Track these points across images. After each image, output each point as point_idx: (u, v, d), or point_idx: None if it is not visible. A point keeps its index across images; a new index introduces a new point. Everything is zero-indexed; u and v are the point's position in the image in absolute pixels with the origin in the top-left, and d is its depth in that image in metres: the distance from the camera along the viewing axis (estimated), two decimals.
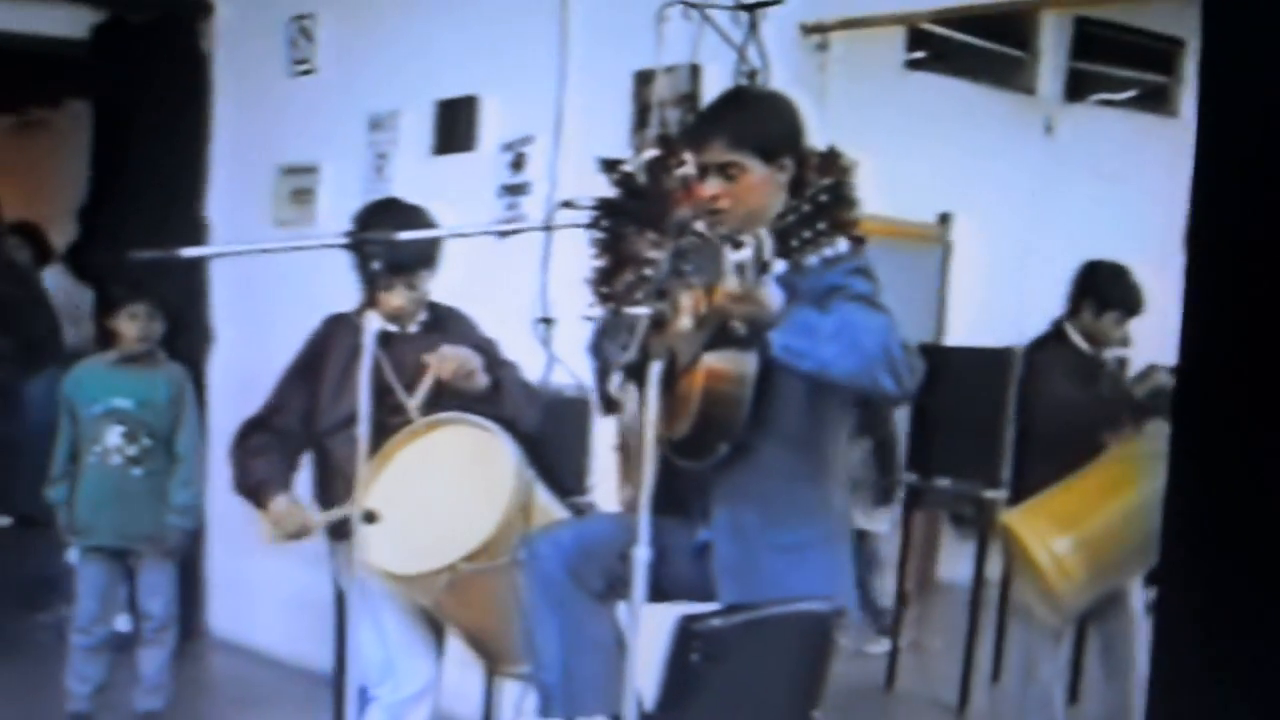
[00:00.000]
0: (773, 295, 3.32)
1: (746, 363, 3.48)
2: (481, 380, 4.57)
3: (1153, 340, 6.10)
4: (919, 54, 8.55)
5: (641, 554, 3.39)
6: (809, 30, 5.56)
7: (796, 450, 3.69)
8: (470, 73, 6.40)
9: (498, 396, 4.64)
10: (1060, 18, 8.82)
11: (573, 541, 3.86)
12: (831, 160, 3.92)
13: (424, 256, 4.69)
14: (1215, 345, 1.65)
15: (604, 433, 4.52)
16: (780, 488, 3.68)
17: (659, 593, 3.57)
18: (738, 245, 3.28)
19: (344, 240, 4.08)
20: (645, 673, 3.50)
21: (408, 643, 4.64)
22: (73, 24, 7.71)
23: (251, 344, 6.80)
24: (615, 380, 3.90)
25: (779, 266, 3.28)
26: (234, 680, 7.37)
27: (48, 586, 7.50)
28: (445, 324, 4.83)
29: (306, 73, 7.33)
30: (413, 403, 4.56)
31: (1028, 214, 7.37)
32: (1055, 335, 5.90)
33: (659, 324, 3.65)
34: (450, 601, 4.39)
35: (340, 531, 4.49)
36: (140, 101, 7.75)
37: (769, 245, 3.25)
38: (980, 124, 8.53)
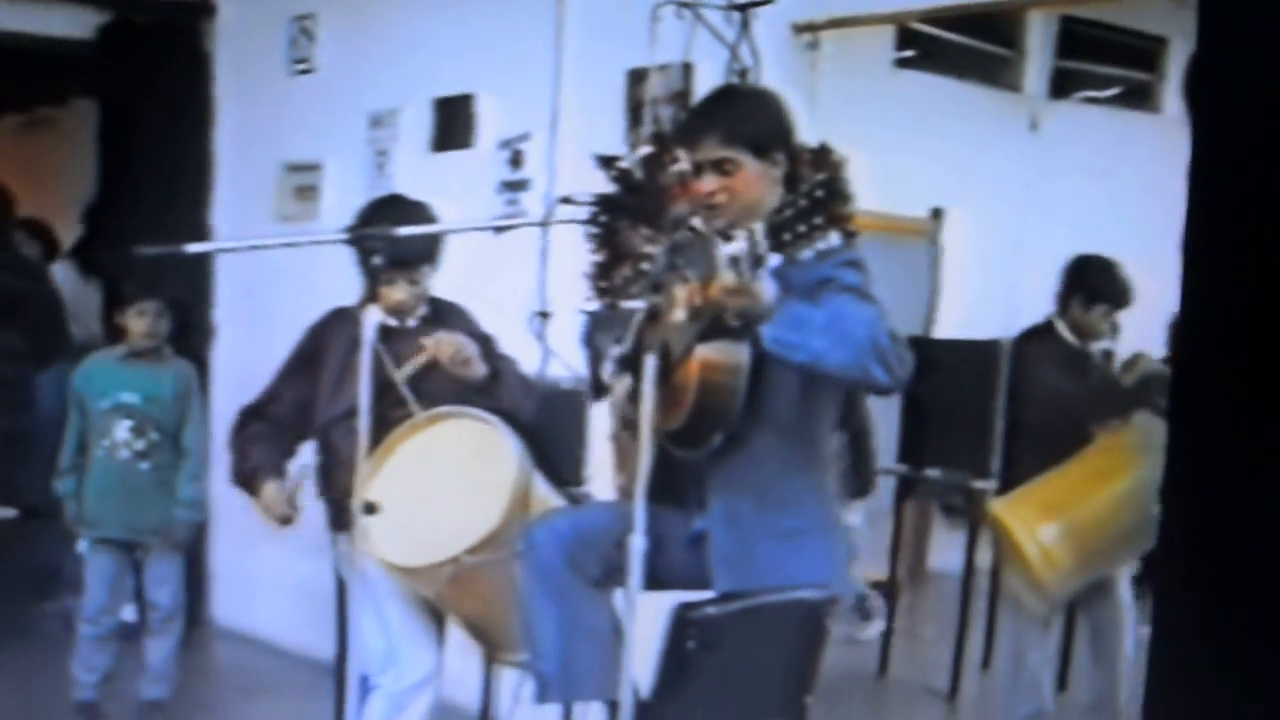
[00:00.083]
0: (766, 289, 3.32)
1: (740, 353, 3.48)
2: (479, 369, 4.56)
3: (1139, 332, 6.12)
4: (908, 52, 8.56)
5: (637, 543, 3.39)
6: (800, 29, 5.56)
7: (789, 440, 3.69)
8: (467, 71, 6.39)
9: (495, 388, 4.64)
10: (1046, 17, 8.82)
11: (570, 530, 3.85)
12: (823, 156, 3.93)
13: (425, 252, 4.68)
14: (1212, 339, 1.63)
15: (600, 423, 4.52)
16: (774, 477, 3.68)
17: (655, 581, 3.56)
18: (730, 239, 3.28)
19: (345, 236, 4.08)
20: (642, 660, 3.50)
21: (409, 632, 4.63)
22: (79, 24, 7.70)
23: (254, 339, 6.78)
24: (607, 367, 3.90)
25: (772, 260, 3.29)
26: (237, 669, 7.37)
27: (53, 577, 7.50)
28: (445, 318, 4.81)
29: (307, 71, 7.32)
30: (400, 374, 4.55)
31: (1015, 208, 7.36)
32: (1044, 328, 5.90)
33: (654, 317, 3.64)
34: (453, 592, 4.38)
35: (342, 521, 4.49)
36: (145, 100, 7.76)
37: (763, 240, 3.25)
38: (968, 121, 8.53)
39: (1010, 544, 5.53)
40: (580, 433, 5.17)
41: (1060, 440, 5.58)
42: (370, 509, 3.90)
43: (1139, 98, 9.75)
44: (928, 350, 6.36)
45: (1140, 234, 6.83)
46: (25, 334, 7.32)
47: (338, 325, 4.79)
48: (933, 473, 6.97)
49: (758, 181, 3.65)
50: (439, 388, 4.60)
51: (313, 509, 4.88)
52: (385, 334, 4.41)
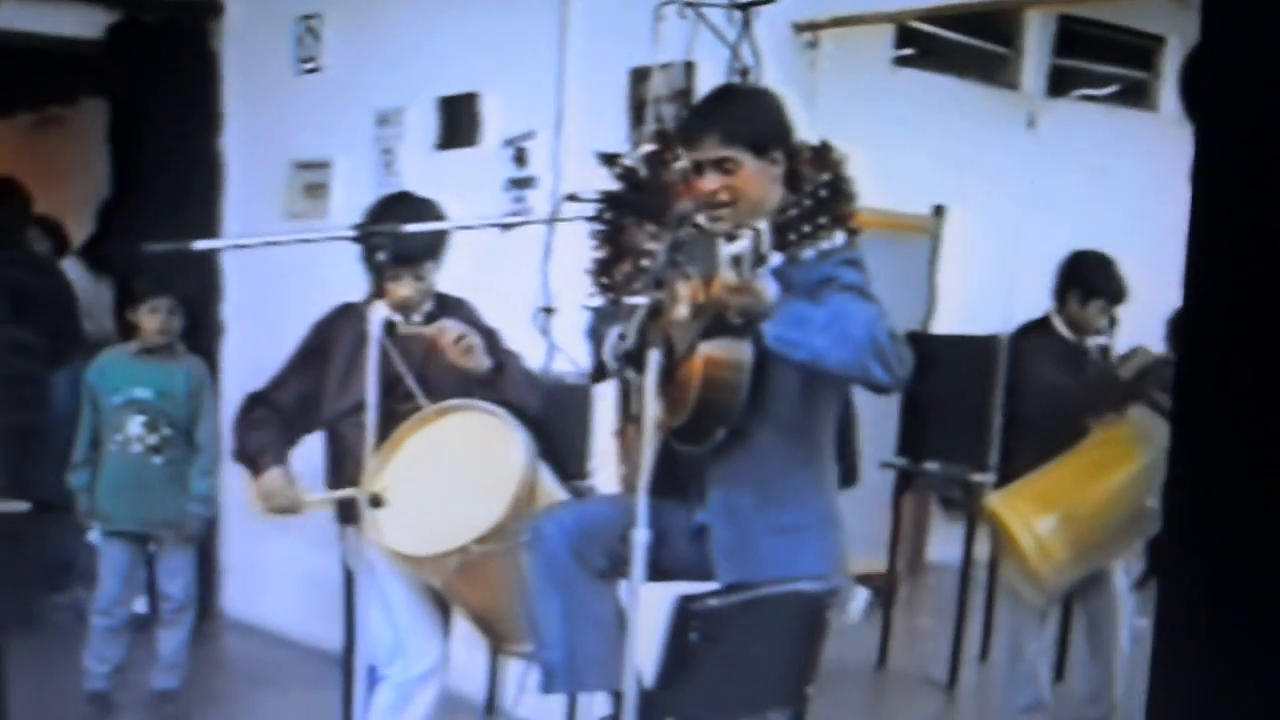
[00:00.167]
0: (767, 287, 3.34)
1: (743, 351, 3.50)
2: (482, 360, 4.57)
3: (1135, 326, 6.12)
4: (907, 51, 8.55)
5: (640, 536, 3.39)
6: (800, 28, 5.56)
7: (791, 436, 3.70)
8: (472, 70, 6.39)
9: (500, 381, 4.65)
10: (1044, 15, 8.81)
11: (575, 522, 3.86)
12: (824, 154, 3.94)
13: (429, 248, 4.69)
14: (1216, 333, 1.63)
15: (604, 418, 4.53)
16: (775, 473, 3.69)
17: (659, 572, 3.57)
18: (733, 238, 3.30)
19: (351, 233, 4.08)
20: (645, 650, 3.50)
21: (416, 623, 4.64)
22: (88, 24, 7.70)
23: (263, 335, 6.78)
24: (607, 351, 3.91)
25: (774, 259, 3.30)
26: (247, 659, 7.38)
27: (65, 570, 7.51)
28: (450, 313, 4.81)
29: (313, 70, 7.32)
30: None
31: (1013, 205, 7.35)
32: (1041, 323, 5.90)
33: (656, 312, 3.65)
34: (460, 582, 4.39)
35: (350, 514, 4.50)
36: (154, 99, 7.76)
37: (767, 239, 3.26)
38: (966, 118, 8.52)
39: (1007, 537, 5.53)
40: (584, 427, 5.18)
41: (1057, 434, 5.57)
42: (376, 502, 3.91)
43: (1136, 96, 9.74)
44: (927, 345, 6.36)
45: (1137, 230, 6.85)
46: (40, 330, 7.32)
47: (344, 321, 4.80)
48: (931, 466, 6.97)
49: (758, 180, 3.66)
50: (446, 382, 4.60)
51: None
52: (391, 330, 4.42)
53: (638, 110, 5.60)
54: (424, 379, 4.62)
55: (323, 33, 7.27)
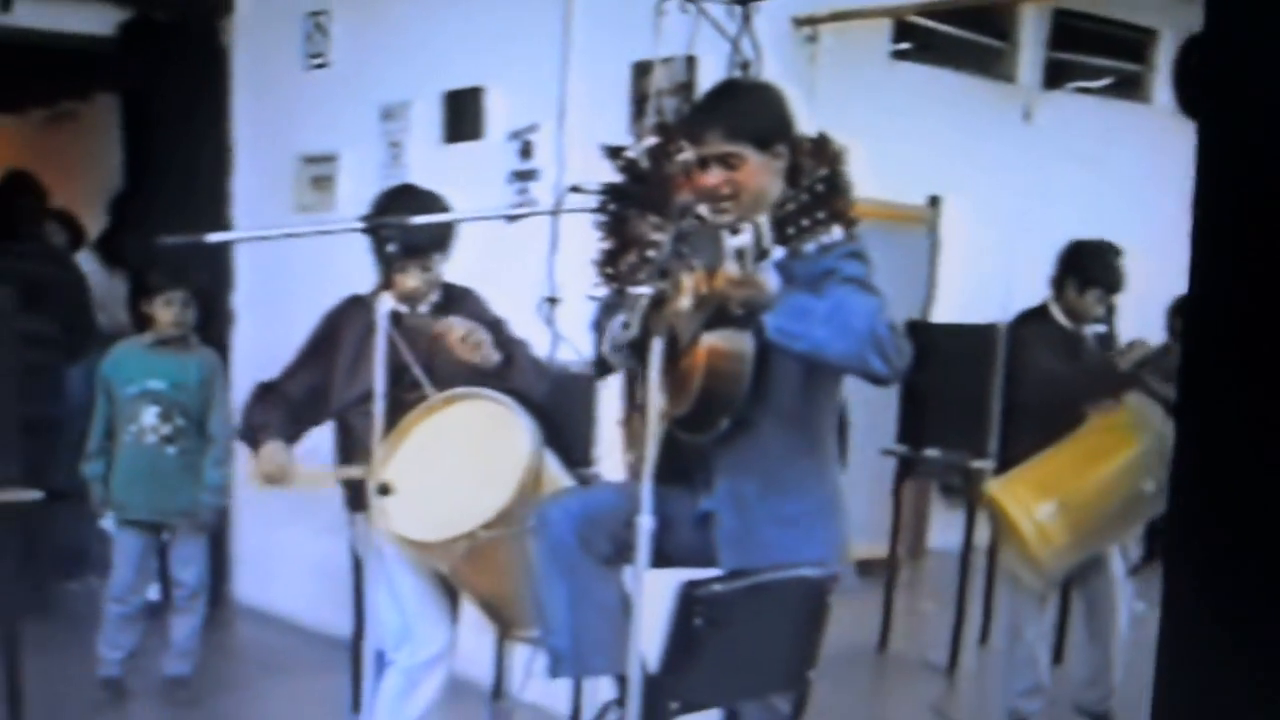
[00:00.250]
0: (770, 280, 3.34)
1: (745, 342, 3.49)
2: (491, 355, 4.56)
3: (1128, 313, 6.12)
4: (905, 45, 8.56)
5: (645, 523, 3.38)
6: (800, 23, 5.56)
7: (793, 426, 3.69)
8: (477, 65, 6.38)
9: (509, 371, 4.64)
10: (1038, 9, 8.82)
11: (581, 509, 3.84)
12: (823, 146, 3.92)
13: (436, 240, 4.68)
14: (1221, 324, 1.61)
15: (609, 406, 4.52)
16: (778, 462, 3.69)
17: (663, 558, 3.57)
18: (736, 232, 3.29)
19: (359, 225, 4.07)
20: (650, 635, 3.49)
21: (423, 609, 4.63)
22: (101, 22, 7.71)
23: (273, 325, 6.78)
24: (608, 342, 3.90)
25: (776, 253, 3.29)
26: (258, 645, 7.37)
27: (79, 558, 7.51)
28: (457, 303, 4.81)
29: (321, 66, 7.31)
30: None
31: (1009, 195, 7.35)
32: (1038, 311, 5.90)
33: (659, 302, 3.64)
34: (467, 568, 4.39)
35: (358, 502, 4.49)
36: (165, 94, 7.77)
37: (768, 232, 3.26)
38: (963, 111, 8.53)
39: (1007, 523, 5.52)
40: (589, 415, 5.17)
41: (1055, 420, 5.56)
42: (385, 490, 3.90)
43: (1129, 88, 9.76)
44: (926, 334, 6.37)
45: (1131, 219, 6.84)
46: (55, 321, 7.32)
47: (353, 312, 4.80)
48: (932, 453, 6.97)
49: (761, 173, 3.65)
50: (452, 371, 4.59)
51: (331, 490, 4.88)
52: (398, 320, 4.42)
53: (640, 103, 5.59)
54: (430, 368, 4.61)
55: (330, 29, 7.27)
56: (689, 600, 3.54)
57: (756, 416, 3.59)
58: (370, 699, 4.18)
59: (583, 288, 4.75)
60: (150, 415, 5.96)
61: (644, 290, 3.65)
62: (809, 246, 3.29)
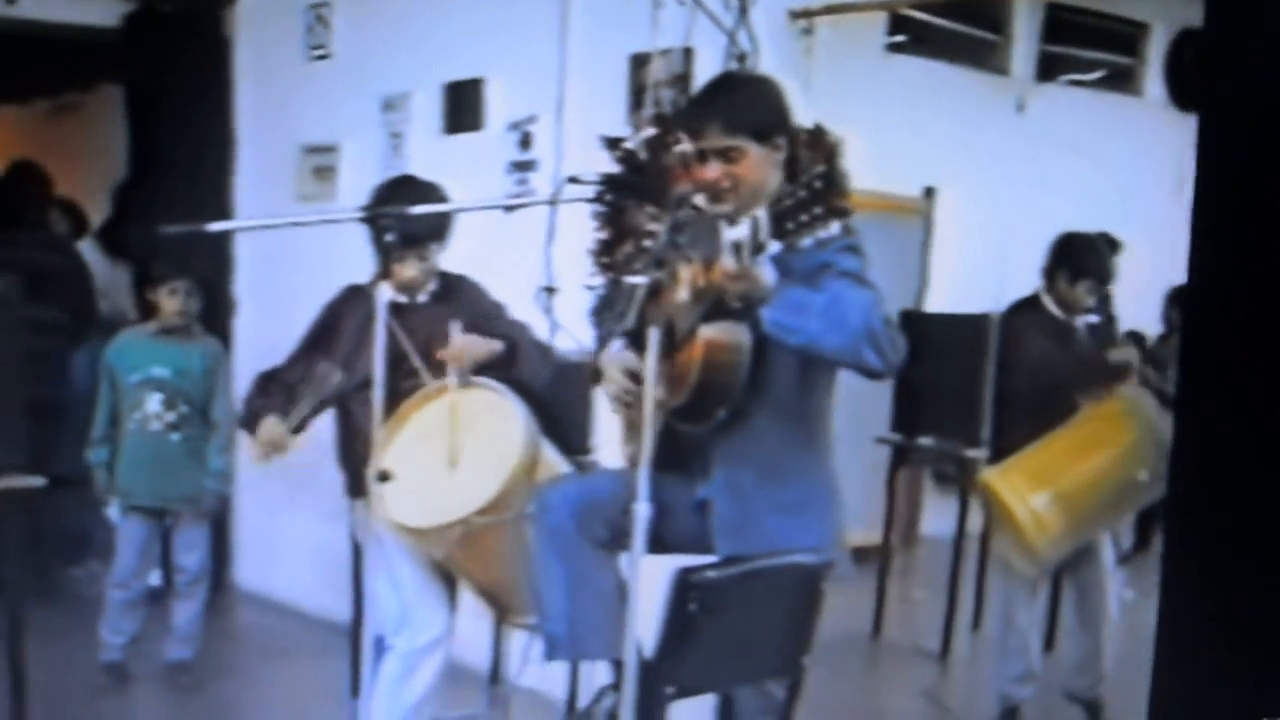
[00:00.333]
0: (767, 274, 3.33)
1: (742, 334, 3.49)
2: (495, 348, 4.57)
3: (1119, 301, 6.12)
4: (899, 38, 8.56)
5: (642, 510, 3.37)
6: (796, 16, 5.55)
7: (789, 418, 3.69)
8: (476, 56, 6.37)
9: (514, 358, 4.65)
10: (1032, 3, 8.83)
11: (579, 495, 3.85)
12: (819, 138, 3.90)
13: (434, 230, 4.68)
14: (1219, 316, 1.61)
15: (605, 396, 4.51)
16: (775, 452, 3.68)
17: (660, 544, 3.56)
18: (733, 222, 3.29)
19: (358, 215, 4.06)
20: (646, 621, 3.49)
21: (422, 594, 4.63)
22: (105, 13, 7.71)
23: (274, 313, 6.77)
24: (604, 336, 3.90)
25: (773, 247, 3.29)
26: (259, 631, 7.36)
27: (81, 543, 7.50)
28: (455, 292, 4.81)
29: (323, 57, 7.30)
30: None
31: (1003, 186, 7.35)
32: (1031, 301, 5.89)
33: (656, 293, 3.63)
34: (462, 554, 4.39)
35: (358, 489, 4.49)
36: (168, 85, 7.76)
37: (765, 227, 3.25)
38: (957, 103, 8.52)
39: (1003, 511, 5.51)
40: (587, 403, 5.16)
41: (1048, 410, 5.56)
42: (384, 477, 3.89)
43: (1121, 81, 9.76)
44: (920, 324, 6.37)
45: (1123, 210, 6.83)
46: (60, 308, 7.31)
47: (352, 301, 4.80)
48: (925, 442, 6.97)
49: (760, 167, 3.64)
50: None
51: (331, 476, 4.88)
52: (397, 309, 4.41)
53: (637, 95, 5.58)
54: (428, 357, 4.61)
55: (332, 21, 7.26)
56: (685, 586, 3.54)
57: (753, 408, 3.59)
58: (369, 683, 4.17)
59: (580, 277, 4.75)
60: (154, 402, 5.96)
61: (640, 280, 3.63)
62: (806, 241, 3.28)
